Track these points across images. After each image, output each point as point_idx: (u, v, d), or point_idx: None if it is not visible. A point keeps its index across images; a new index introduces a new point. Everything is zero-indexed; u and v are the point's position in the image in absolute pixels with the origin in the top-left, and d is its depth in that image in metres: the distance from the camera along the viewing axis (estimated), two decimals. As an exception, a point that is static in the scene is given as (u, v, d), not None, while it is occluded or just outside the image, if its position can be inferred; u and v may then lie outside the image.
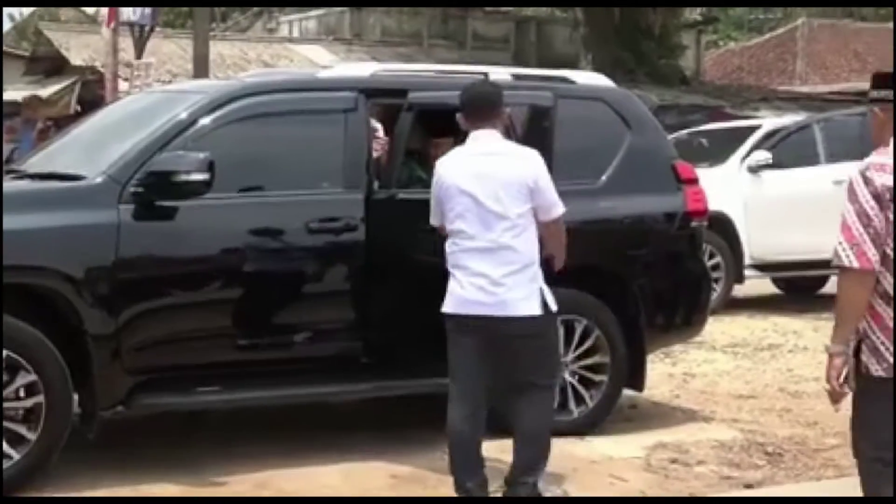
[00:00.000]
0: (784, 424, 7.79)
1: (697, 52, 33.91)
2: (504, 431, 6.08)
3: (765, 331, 11.44)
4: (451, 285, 5.84)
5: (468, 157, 5.89)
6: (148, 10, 19.52)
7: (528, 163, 5.82)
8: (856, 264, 4.39)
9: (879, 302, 4.48)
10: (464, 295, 5.77)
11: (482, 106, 5.93)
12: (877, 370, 4.48)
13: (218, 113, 6.71)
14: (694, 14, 36.21)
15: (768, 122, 14.57)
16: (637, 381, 7.56)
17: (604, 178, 7.52)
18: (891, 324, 4.45)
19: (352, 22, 30.39)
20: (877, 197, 4.39)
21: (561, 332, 7.20)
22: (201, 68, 19.74)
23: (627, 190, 7.54)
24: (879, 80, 4.77)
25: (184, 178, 6.24)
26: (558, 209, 5.89)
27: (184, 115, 6.68)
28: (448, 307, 5.84)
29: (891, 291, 4.45)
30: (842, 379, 4.47)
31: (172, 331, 6.47)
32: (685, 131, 15.27)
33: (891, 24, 38.84)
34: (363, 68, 7.63)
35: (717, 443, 7.32)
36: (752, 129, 13.84)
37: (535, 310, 5.73)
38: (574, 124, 7.27)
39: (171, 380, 6.54)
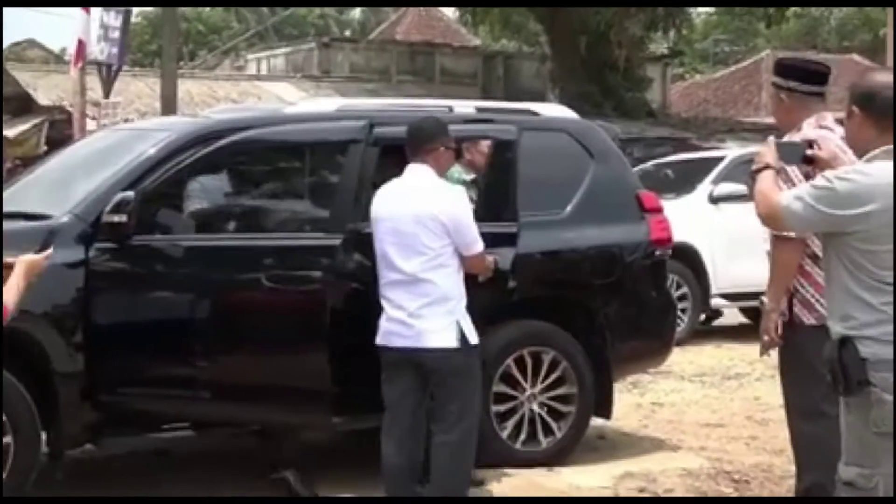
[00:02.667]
0: (751, 452, 7.83)
1: (663, 84, 34.18)
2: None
3: (731, 360, 11.49)
4: (381, 318, 6.01)
5: (395, 189, 6.07)
6: (115, 49, 19.50)
7: (447, 201, 5.95)
8: (791, 232, 5.05)
9: (809, 262, 5.27)
10: (386, 327, 5.96)
11: (414, 141, 6.12)
12: (808, 320, 5.29)
13: (184, 150, 6.62)
14: (660, 48, 36.50)
15: (732, 152, 14.67)
16: (605, 409, 7.58)
17: (569, 208, 7.56)
18: (819, 280, 5.10)
19: (320, 59, 30.48)
20: (805, 173, 5.08)
21: (529, 363, 7.28)
22: (169, 107, 19.77)
23: (592, 220, 7.57)
24: (783, 69, 5.52)
25: (105, 219, 6.25)
26: (477, 247, 6.04)
27: (151, 152, 6.65)
28: (377, 339, 6.01)
29: (818, 252, 5.10)
30: (780, 331, 5.30)
31: (140, 369, 6.45)
32: (651, 163, 15.36)
33: (853, 56, 39.29)
34: (328, 103, 7.67)
35: (684, 471, 7.34)
36: (717, 159, 13.94)
37: (449, 342, 5.83)
38: (538, 156, 7.34)
39: (139, 418, 6.53)
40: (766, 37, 47.91)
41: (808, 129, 5.38)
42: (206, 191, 6.77)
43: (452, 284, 5.92)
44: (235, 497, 6.32)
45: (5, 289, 4.38)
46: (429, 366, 5.85)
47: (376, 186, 7.04)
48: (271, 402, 6.64)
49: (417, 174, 6.04)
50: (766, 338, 5.41)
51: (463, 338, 5.86)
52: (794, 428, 5.61)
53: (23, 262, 4.48)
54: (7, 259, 4.50)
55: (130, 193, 6.25)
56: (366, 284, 6.56)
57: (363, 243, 6.60)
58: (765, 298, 5.42)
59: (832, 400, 5.28)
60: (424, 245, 5.87)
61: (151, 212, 6.49)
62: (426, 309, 5.84)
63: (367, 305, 6.47)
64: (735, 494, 6.94)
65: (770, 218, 4.62)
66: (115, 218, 6.20)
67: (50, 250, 4.59)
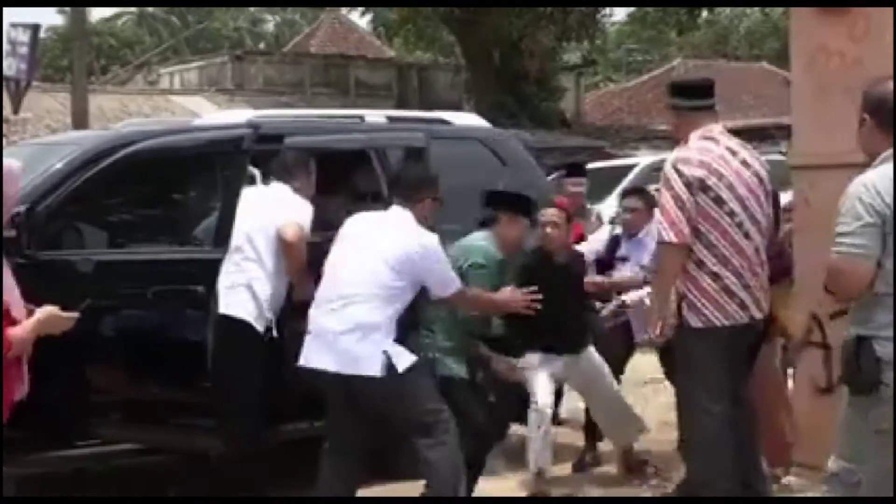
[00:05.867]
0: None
1: (577, 94, 34.41)
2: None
3: (648, 366, 11.53)
4: (307, 337, 5.89)
5: (372, 220, 6.02)
6: (24, 65, 19.27)
7: (420, 248, 5.81)
8: (674, 240, 5.55)
9: (694, 268, 5.60)
10: (310, 347, 5.83)
11: (404, 186, 6.06)
12: (695, 322, 5.63)
13: (91, 163, 6.55)
14: (573, 58, 36.78)
15: (644, 160, 14.81)
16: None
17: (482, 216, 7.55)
18: (704, 284, 5.59)
19: (233, 72, 30.29)
20: (688, 185, 5.54)
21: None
22: (81, 122, 19.52)
23: (506, 228, 7.57)
24: (669, 88, 5.97)
25: None
26: (452, 287, 5.96)
27: (58, 166, 6.56)
28: (300, 360, 5.87)
29: (702, 259, 5.58)
30: (659, 329, 5.69)
31: (49, 387, 6.30)
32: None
33: (763, 63, 39.86)
34: (239, 115, 7.62)
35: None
36: (630, 167, 14.06)
37: (373, 370, 5.64)
38: (450, 164, 7.31)
39: (50, 436, 6.40)
40: (677, 45, 48.48)
41: (694, 142, 5.70)
42: (111, 204, 6.68)
43: (386, 319, 5.73)
44: (231, 497, 6.25)
45: (18, 328, 4.35)
46: (355, 391, 5.73)
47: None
48: (182, 421, 6.56)
49: (399, 216, 5.95)
50: (646, 336, 6.12)
51: (390, 366, 5.65)
52: (682, 425, 5.99)
53: (44, 313, 4.45)
54: (28, 305, 4.47)
55: (21, 208, 6.14)
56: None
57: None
58: (647, 300, 5.96)
59: (715, 398, 5.70)
60: (381, 280, 5.72)
61: (58, 226, 6.39)
62: (352, 335, 5.66)
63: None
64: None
65: (840, 278, 4.45)
66: (7, 233, 6.06)
67: (76, 314, 4.53)
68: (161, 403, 6.55)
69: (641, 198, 7.65)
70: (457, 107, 26.59)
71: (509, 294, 6.31)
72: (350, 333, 5.67)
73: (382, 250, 5.77)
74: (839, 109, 6.23)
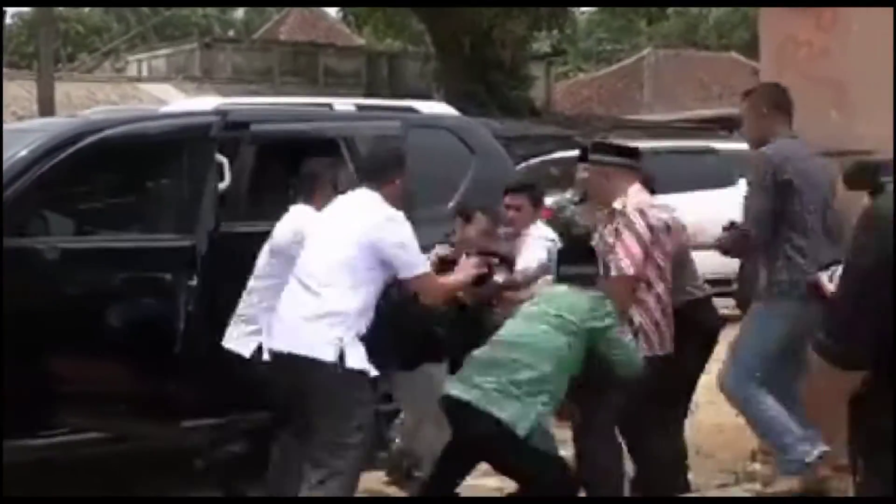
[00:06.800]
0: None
1: (547, 83, 34.46)
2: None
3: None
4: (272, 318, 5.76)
5: (341, 207, 5.81)
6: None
7: (387, 227, 5.60)
8: (632, 272, 5.82)
9: (654, 301, 5.93)
10: (272, 327, 5.67)
11: (366, 166, 5.90)
12: (644, 351, 5.92)
13: (58, 150, 6.54)
14: (544, 47, 36.82)
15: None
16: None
17: (451, 204, 7.56)
18: (656, 316, 5.95)
19: (201, 60, 30.18)
20: (650, 227, 5.83)
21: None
22: (47, 110, 19.42)
23: (475, 216, 7.58)
24: (618, 152, 6.17)
25: None
26: (415, 269, 5.65)
27: (24, 153, 6.51)
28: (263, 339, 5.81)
29: (660, 294, 5.93)
30: None
31: (11, 375, 6.29)
32: (536, 160, 15.44)
33: (731, 53, 39.98)
34: (205, 102, 7.61)
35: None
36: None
37: (325, 354, 5.37)
38: (419, 152, 7.29)
39: (17, 425, 6.36)
40: (647, 35, 48.57)
41: (639, 195, 5.98)
42: (77, 191, 6.66)
43: (353, 309, 5.46)
44: (229, 497, 6.24)
45: None
46: (301, 375, 5.45)
47: (255, 184, 7.01)
48: (145, 408, 6.54)
49: (366, 197, 5.70)
50: None
51: (341, 357, 5.36)
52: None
53: None
54: None
55: None
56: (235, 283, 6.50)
57: (227, 243, 6.55)
58: None
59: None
60: (351, 263, 5.47)
61: (23, 214, 6.36)
62: (315, 320, 5.43)
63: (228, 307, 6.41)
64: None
65: None
66: None
67: None
68: (128, 392, 6.52)
69: (528, 195, 7.33)
70: (426, 95, 26.58)
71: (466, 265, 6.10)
72: (314, 320, 5.43)
73: (351, 232, 5.54)
74: (807, 99, 6.25)
